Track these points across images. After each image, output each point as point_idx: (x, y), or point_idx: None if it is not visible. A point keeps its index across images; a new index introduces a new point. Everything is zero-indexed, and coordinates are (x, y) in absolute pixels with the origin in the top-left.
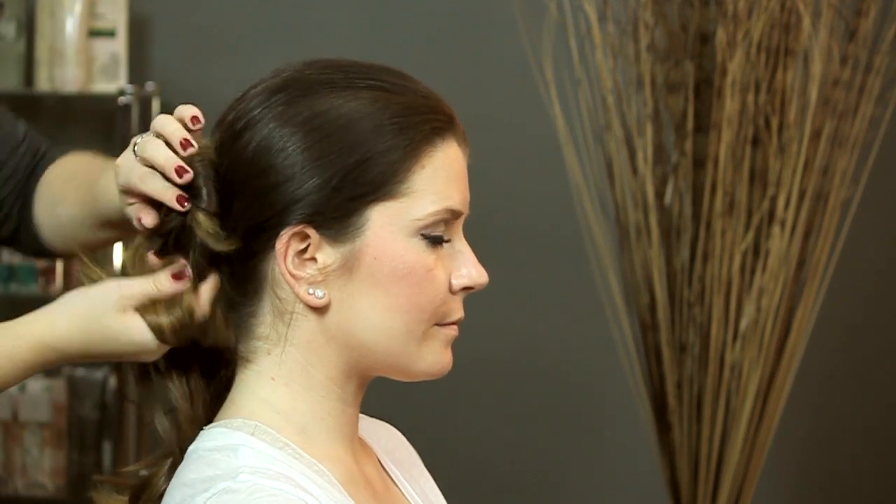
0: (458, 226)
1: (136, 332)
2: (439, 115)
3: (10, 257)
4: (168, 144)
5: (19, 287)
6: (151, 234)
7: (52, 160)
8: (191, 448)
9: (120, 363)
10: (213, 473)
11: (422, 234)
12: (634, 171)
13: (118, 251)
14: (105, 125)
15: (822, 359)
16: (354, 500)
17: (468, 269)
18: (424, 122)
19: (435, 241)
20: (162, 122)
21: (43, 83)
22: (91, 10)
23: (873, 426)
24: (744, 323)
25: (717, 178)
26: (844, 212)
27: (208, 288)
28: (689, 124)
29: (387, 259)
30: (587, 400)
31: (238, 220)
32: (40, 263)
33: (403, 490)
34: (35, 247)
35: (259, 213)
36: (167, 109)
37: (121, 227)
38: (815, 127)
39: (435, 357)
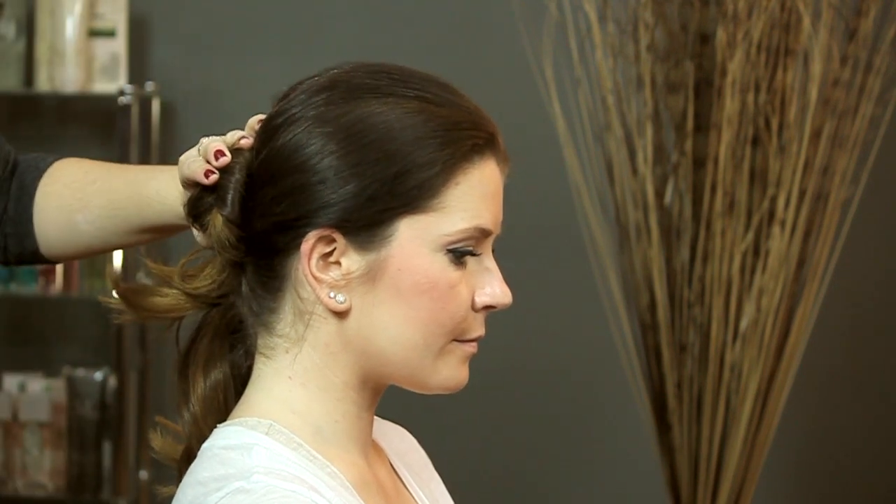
0: (488, 244)
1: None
2: (481, 132)
3: None
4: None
5: (19, 287)
6: (193, 206)
7: (39, 168)
8: (205, 445)
9: (120, 363)
10: (227, 472)
11: (448, 250)
12: (634, 171)
13: (118, 255)
14: (105, 125)
15: (822, 359)
16: (366, 503)
17: (492, 288)
18: (466, 139)
19: (461, 258)
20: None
21: (43, 83)
22: (91, 10)
23: (873, 426)
24: (744, 323)
25: (717, 178)
26: (844, 212)
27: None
28: (689, 124)
29: (410, 272)
30: (587, 400)
31: (265, 214)
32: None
33: (413, 493)
34: (20, 256)
35: (288, 210)
36: (167, 109)
37: (163, 231)
38: (815, 127)
39: (451, 372)
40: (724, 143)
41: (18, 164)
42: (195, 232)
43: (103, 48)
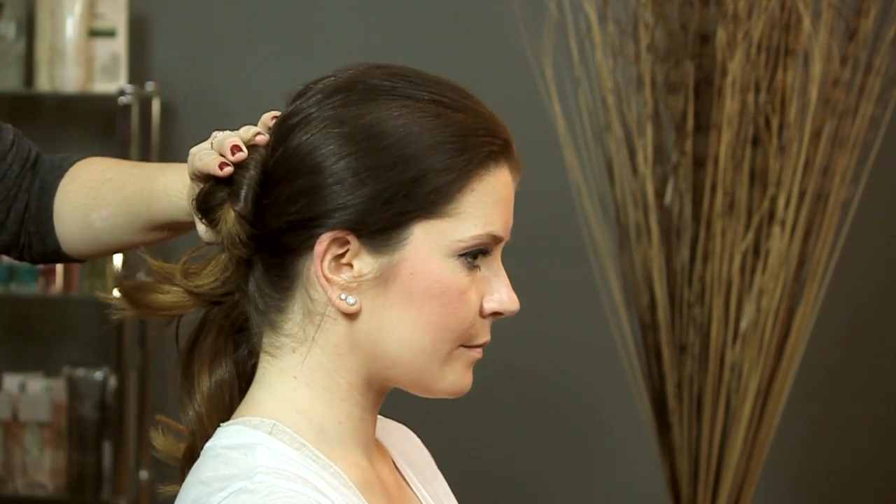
0: (498, 250)
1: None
2: (496, 139)
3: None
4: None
5: (19, 287)
6: (203, 199)
7: (62, 168)
8: (208, 445)
9: (120, 363)
10: (230, 472)
11: (459, 256)
12: (634, 171)
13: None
14: (105, 125)
15: (822, 359)
16: (369, 503)
17: (500, 295)
18: (482, 145)
19: (472, 264)
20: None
21: (43, 83)
22: (91, 10)
23: (873, 426)
24: (744, 323)
25: (717, 178)
26: (844, 212)
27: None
28: (689, 124)
29: (423, 276)
30: (587, 400)
31: (279, 213)
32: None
33: (417, 492)
34: (44, 254)
35: (303, 210)
36: (167, 109)
37: (174, 229)
38: (815, 127)
39: (456, 377)
40: (724, 143)
41: (43, 161)
42: (199, 227)
43: (103, 48)
